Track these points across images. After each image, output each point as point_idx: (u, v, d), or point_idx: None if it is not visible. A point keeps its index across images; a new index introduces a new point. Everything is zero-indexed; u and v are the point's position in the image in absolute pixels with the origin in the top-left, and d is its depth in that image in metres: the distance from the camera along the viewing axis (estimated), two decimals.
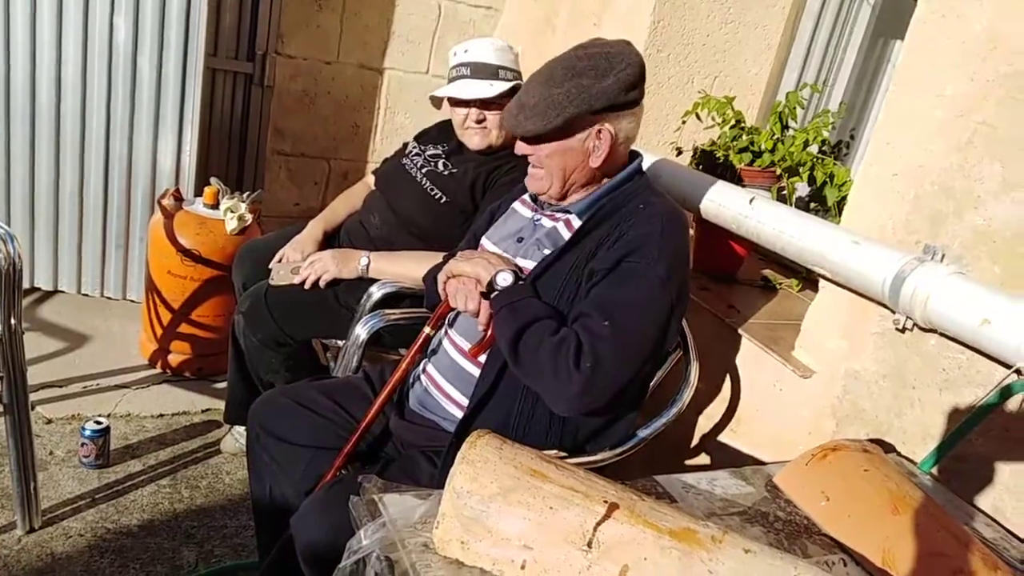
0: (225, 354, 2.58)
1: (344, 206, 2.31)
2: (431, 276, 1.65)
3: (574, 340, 1.25)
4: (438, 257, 1.86)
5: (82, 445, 2.05)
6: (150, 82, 2.60)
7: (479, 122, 2.01)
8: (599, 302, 1.29)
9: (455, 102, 2.03)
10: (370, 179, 2.37)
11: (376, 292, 1.95)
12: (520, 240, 1.49)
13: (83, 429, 2.04)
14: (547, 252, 1.41)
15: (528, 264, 1.42)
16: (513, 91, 1.96)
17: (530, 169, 1.45)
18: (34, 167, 2.64)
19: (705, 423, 1.94)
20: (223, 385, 2.56)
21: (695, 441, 1.97)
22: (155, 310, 2.51)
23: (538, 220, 1.50)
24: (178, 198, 2.52)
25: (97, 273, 2.81)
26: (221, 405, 2.43)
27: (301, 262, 2.05)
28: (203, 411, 2.43)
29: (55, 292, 2.82)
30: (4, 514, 1.86)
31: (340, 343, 2.03)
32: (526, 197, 1.59)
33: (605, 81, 1.33)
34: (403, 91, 3.37)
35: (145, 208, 2.76)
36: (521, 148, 1.43)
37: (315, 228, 2.20)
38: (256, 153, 3.18)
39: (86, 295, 2.84)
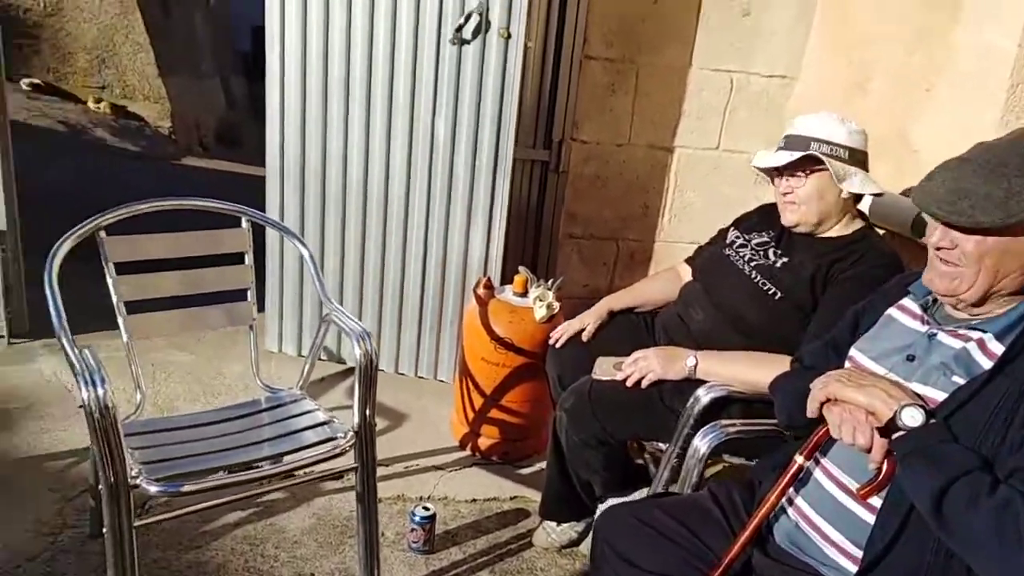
0: (530, 439, 2.64)
1: (633, 295, 2.31)
2: (787, 390, 1.50)
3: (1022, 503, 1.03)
4: (777, 361, 1.71)
5: (411, 530, 2.14)
6: (465, 177, 2.78)
7: (785, 194, 1.92)
8: None
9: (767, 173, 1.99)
10: (682, 269, 2.29)
11: (704, 396, 1.84)
12: (911, 358, 1.29)
13: (412, 514, 2.13)
14: (959, 381, 1.19)
15: (930, 393, 1.21)
16: (808, 159, 1.85)
17: (937, 264, 1.24)
18: (364, 255, 2.92)
19: None
20: (528, 471, 2.60)
21: None
22: (467, 394, 2.61)
23: (934, 335, 1.29)
24: (489, 287, 2.63)
25: (412, 354, 3.02)
26: (527, 492, 2.46)
27: (624, 357, 2.00)
28: (511, 498, 2.45)
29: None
30: None
31: (662, 445, 1.95)
32: (906, 303, 1.38)
33: None
34: (692, 168, 3.28)
35: (456, 294, 2.92)
36: (939, 239, 1.22)
37: (603, 307, 2.26)
38: (550, 237, 3.26)
39: (401, 374, 3.06)
